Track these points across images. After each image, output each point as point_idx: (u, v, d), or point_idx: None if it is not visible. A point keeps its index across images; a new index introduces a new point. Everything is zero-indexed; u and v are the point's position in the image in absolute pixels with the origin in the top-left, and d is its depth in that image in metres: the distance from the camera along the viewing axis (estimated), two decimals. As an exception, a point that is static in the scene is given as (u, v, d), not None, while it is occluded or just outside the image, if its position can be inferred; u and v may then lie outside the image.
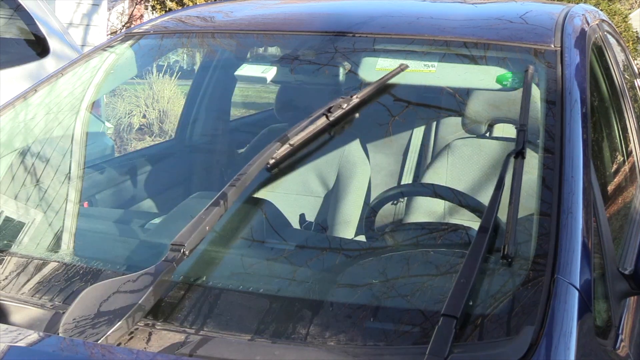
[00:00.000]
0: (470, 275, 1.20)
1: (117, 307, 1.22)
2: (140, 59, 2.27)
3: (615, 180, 2.04)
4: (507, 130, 2.34)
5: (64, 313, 1.23)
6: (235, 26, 2.20)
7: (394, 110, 2.46)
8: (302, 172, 2.53)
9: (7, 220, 1.77)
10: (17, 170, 1.91)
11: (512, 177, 1.42)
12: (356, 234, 2.27)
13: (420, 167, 2.68)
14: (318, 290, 1.40)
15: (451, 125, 2.68)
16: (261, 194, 2.46)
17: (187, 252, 1.31)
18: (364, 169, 2.49)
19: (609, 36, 2.53)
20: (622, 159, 2.25)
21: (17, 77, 4.03)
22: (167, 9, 11.45)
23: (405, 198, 2.25)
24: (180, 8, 4.30)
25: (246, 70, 2.40)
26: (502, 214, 1.69)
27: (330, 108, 1.74)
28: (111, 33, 11.19)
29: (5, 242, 1.63)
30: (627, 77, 2.73)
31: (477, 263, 1.23)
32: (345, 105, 1.78)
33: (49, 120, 2.03)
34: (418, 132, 2.80)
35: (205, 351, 1.17)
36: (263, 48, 2.43)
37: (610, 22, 2.88)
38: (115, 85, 4.94)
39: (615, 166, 2.12)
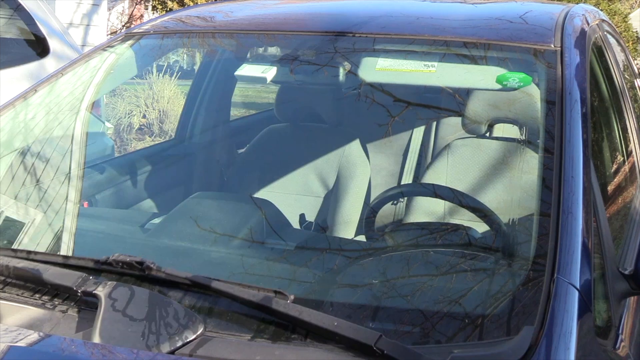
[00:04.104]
0: None
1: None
2: (140, 59, 2.27)
3: (615, 180, 2.04)
4: (507, 130, 2.34)
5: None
6: (235, 26, 2.20)
7: (394, 110, 2.46)
8: (302, 172, 2.54)
9: (7, 220, 1.77)
10: (17, 170, 1.91)
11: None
12: (356, 234, 2.27)
13: (420, 167, 2.68)
14: (318, 290, 1.40)
15: (451, 125, 2.68)
16: (261, 194, 2.47)
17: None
18: (364, 169, 2.49)
19: (609, 36, 2.52)
20: (622, 159, 2.25)
21: (17, 77, 4.03)
22: (168, 9, 11.45)
23: (405, 198, 2.25)
24: (181, 8, 4.30)
25: (246, 70, 2.40)
26: (503, 214, 1.69)
27: None
28: (111, 33, 11.19)
29: (5, 242, 1.64)
30: (627, 77, 2.73)
31: None
32: None
33: (49, 120, 2.03)
34: (418, 132, 2.80)
35: (205, 351, 1.17)
36: (263, 48, 2.43)
37: (610, 22, 2.88)
38: (115, 85, 4.94)
39: (615, 166, 2.12)
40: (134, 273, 1.32)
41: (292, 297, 1.24)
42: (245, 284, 1.27)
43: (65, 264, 1.38)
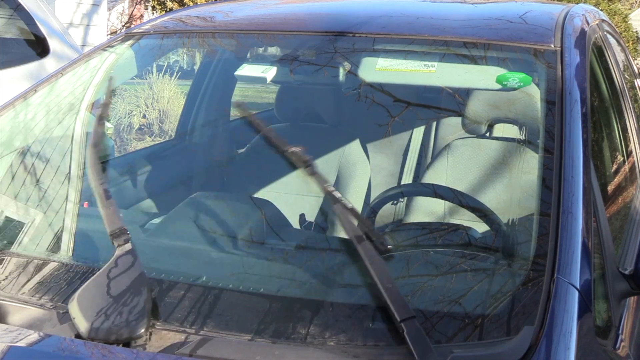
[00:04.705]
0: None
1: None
2: (140, 59, 2.27)
3: (615, 180, 2.04)
4: (507, 130, 2.34)
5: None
6: (235, 26, 2.20)
7: (394, 110, 2.46)
8: (302, 172, 2.53)
9: (7, 220, 1.77)
10: (17, 170, 1.91)
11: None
12: (356, 234, 2.26)
13: (420, 167, 2.68)
14: (318, 290, 1.40)
15: (451, 125, 2.68)
16: (261, 194, 2.46)
17: None
18: (364, 169, 2.49)
19: (609, 36, 2.53)
20: (622, 159, 2.25)
21: (17, 77, 4.03)
22: (168, 9, 11.45)
23: (405, 198, 2.25)
24: (181, 8, 4.30)
25: (246, 70, 2.40)
26: (503, 214, 1.69)
27: None
28: (111, 33, 11.19)
29: (5, 242, 1.63)
30: (627, 77, 2.74)
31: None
32: None
33: (49, 120, 2.03)
34: (418, 132, 2.80)
35: (205, 351, 1.17)
36: (263, 48, 2.43)
37: (610, 22, 2.88)
38: (115, 86, 4.93)
39: (615, 166, 2.12)
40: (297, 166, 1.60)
41: (389, 246, 1.35)
42: (360, 216, 1.39)
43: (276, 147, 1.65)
